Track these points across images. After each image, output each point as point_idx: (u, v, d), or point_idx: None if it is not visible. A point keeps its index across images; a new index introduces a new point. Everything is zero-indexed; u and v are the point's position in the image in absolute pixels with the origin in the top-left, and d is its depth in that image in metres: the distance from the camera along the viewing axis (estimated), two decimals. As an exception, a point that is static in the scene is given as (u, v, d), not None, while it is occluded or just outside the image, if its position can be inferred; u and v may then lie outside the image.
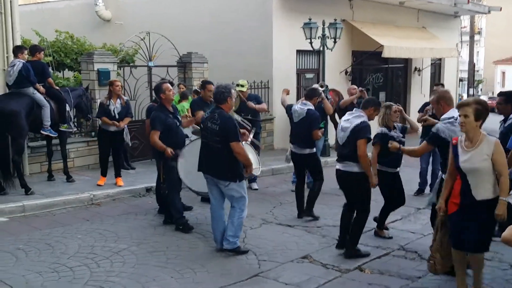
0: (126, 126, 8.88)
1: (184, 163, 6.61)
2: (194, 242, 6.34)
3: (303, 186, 7.64)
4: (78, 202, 8.10)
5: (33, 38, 12.42)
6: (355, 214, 5.98)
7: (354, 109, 6.12)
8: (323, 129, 7.49)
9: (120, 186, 8.81)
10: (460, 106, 4.44)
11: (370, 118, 5.95)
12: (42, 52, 8.99)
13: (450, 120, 5.05)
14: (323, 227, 6.99)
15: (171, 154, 6.49)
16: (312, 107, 7.44)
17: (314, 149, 7.55)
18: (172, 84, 7.29)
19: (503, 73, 42.81)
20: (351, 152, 5.73)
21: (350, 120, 5.85)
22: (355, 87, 10.64)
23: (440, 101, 5.28)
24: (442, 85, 9.53)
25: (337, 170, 5.98)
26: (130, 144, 9.53)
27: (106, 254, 5.87)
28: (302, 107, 7.42)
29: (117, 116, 8.61)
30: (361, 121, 5.77)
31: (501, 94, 6.64)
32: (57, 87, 9.17)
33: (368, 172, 5.79)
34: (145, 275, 5.30)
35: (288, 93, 9.00)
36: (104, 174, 8.95)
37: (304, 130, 7.31)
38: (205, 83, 8.36)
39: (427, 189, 8.88)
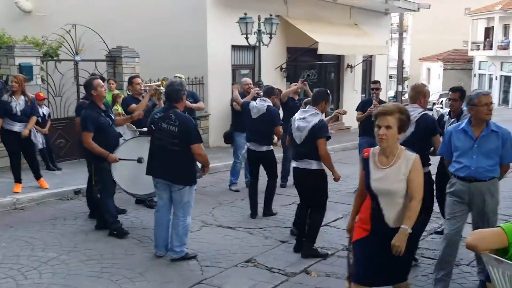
0: (33, 126, 8.09)
1: (119, 164, 6.17)
2: (130, 248, 5.92)
3: (257, 185, 7.42)
4: (0, 207, 7.44)
5: None
6: (310, 213, 5.83)
7: (308, 106, 5.90)
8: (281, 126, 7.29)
9: (45, 188, 8.17)
10: (380, 115, 3.62)
11: (323, 112, 5.80)
12: None
13: None
14: (265, 228, 6.76)
15: (117, 160, 6.05)
16: (271, 104, 7.29)
17: (271, 147, 7.37)
18: (103, 79, 6.81)
19: (429, 69, 44.62)
20: (309, 151, 5.57)
21: (307, 119, 5.66)
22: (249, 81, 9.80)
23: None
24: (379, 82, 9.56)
25: (295, 168, 5.83)
26: (40, 146, 8.80)
27: (34, 264, 5.36)
28: (262, 103, 7.25)
29: (19, 114, 7.78)
30: (319, 120, 5.60)
31: (455, 89, 6.23)
32: None
33: (332, 168, 5.73)
34: (78, 287, 4.85)
35: (238, 90, 8.83)
36: (18, 180, 8.10)
37: (263, 126, 7.13)
38: (131, 78, 8.06)
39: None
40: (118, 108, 7.92)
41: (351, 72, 18.59)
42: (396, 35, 24.56)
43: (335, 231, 6.73)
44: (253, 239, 6.35)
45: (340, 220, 7.23)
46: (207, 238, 6.30)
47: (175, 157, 5.34)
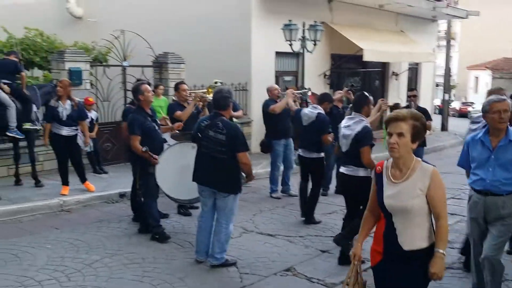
0: (79, 131, 8.29)
1: (162, 169, 6.25)
2: (171, 253, 5.99)
3: (307, 188, 7.53)
4: (47, 209, 7.68)
5: (1, 35, 11.91)
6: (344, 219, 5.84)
7: (352, 113, 5.85)
8: (332, 134, 7.27)
9: (91, 191, 8.37)
10: (391, 121, 3.19)
11: (367, 115, 5.84)
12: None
13: None
14: (305, 237, 6.72)
15: (156, 161, 6.14)
16: (322, 112, 7.35)
17: (322, 154, 7.41)
18: (149, 84, 6.93)
19: (477, 78, 43.39)
20: (355, 158, 5.53)
21: (351, 126, 5.63)
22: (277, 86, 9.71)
23: None
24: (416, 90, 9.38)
25: (341, 174, 5.82)
26: (87, 150, 9.00)
27: (78, 267, 5.48)
28: (312, 110, 7.36)
29: (65, 119, 7.94)
30: (362, 127, 5.55)
31: (491, 92, 5.89)
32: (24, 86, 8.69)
33: None
34: (120, 290, 4.94)
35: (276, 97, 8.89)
36: (65, 183, 8.28)
37: (313, 134, 7.22)
38: (177, 84, 8.09)
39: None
40: (161, 104, 8.10)
41: (396, 79, 18.30)
42: (444, 43, 23.97)
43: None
44: (293, 248, 6.31)
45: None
46: (247, 245, 6.30)
47: (222, 165, 5.35)
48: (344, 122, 5.81)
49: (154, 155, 6.14)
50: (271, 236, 6.76)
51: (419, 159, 3.28)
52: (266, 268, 5.59)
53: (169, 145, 6.51)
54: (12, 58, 8.45)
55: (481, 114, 4.86)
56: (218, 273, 5.42)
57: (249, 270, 5.52)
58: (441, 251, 3.19)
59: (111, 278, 5.21)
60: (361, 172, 5.56)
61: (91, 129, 9.43)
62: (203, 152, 5.48)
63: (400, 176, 3.25)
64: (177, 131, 6.98)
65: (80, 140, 8.43)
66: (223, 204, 5.47)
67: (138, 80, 7.69)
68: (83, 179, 8.50)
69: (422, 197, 3.19)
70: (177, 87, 8.01)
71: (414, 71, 19.72)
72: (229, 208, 5.49)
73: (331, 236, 6.70)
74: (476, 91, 40.27)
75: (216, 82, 9.19)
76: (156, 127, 6.38)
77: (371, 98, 6.81)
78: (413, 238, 3.23)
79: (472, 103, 37.78)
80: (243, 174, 5.61)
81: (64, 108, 7.98)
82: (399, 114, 3.19)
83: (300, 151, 7.51)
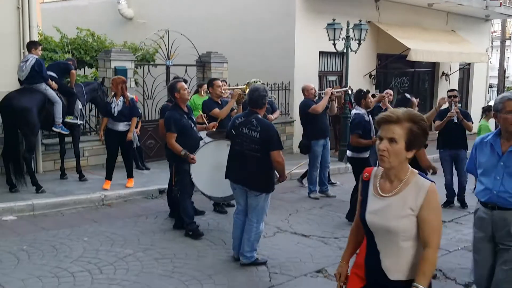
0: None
1: (197, 166, 6.31)
2: (203, 250, 6.04)
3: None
4: (89, 202, 7.90)
5: (55, 35, 12.37)
6: None
7: None
8: (373, 136, 7.03)
9: (129, 187, 8.55)
10: (383, 123, 2.64)
11: None
12: (39, 48, 8.39)
13: None
14: (340, 239, 6.61)
15: (194, 160, 6.18)
16: (359, 112, 7.20)
17: (361, 154, 7.17)
18: (186, 81, 6.99)
19: (534, 80, 41.59)
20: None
21: None
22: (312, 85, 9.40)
23: None
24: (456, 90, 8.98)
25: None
26: (136, 145, 9.17)
27: (111, 260, 5.61)
28: (353, 111, 7.40)
29: (116, 114, 8.14)
30: None
31: None
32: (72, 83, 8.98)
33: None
34: (148, 285, 5.01)
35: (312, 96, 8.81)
36: (109, 177, 8.51)
37: (350, 134, 7.32)
38: (212, 81, 7.90)
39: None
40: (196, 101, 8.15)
41: (447, 80, 17.76)
42: (499, 43, 23.12)
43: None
44: (326, 249, 6.23)
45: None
46: (280, 245, 6.27)
47: (255, 163, 5.34)
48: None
49: (192, 155, 6.19)
50: (305, 236, 6.70)
51: (416, 171, 2.71)
52: (296, 269, 5.54)
53: (205, 142, 6.56)
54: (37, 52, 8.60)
55: None
56: (248, 272, 5.41)
57: (279, 270, 5.49)
58: (420, 286, 2.57)
59: (142, 273, 5.30)
60: None
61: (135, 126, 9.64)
62: (236, 149, 5.49)
63: (390, 189, 2.68)
64: (213, 130, 7.03)
65: (133, 137, 8.61)
66: (255, 203, 5.46)
67: (174, 78, 7.75)
68: (130, 174, 8.69)
69: (411, 219, 2.61)
70: (211, 83, 7.80)
71: (465, 71, 19.09)
72: (261, 207, 5.48)
73: (366, 238, 6.61)
74: (535, 93, 38.53)
75: (255, 81, 9.18)
76: (192, 125, 6.44)
77: (413, 99, 6.62)
78: (400, 266, 2.65)
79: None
80: (276, 174, 5.58)
81: (116, 104, 8.18)
82: (392, 114, 2.62)
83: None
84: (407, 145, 2.60)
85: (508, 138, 3.73)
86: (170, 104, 6.93)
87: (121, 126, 8.25)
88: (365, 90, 7.52)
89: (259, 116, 5.46)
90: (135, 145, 9.52)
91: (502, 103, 3.72)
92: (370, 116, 7.24)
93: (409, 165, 2.70)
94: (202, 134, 6.89)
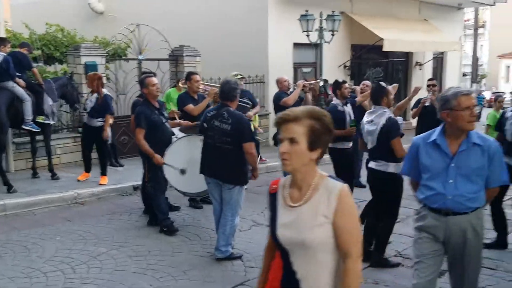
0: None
1: (170, 162, 6.23)
2: (178, 245, 5.97)
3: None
4: (61, 201, 7.77)
5: (24, 32, 12.09)
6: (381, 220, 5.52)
7: (373, 106, 5.52)
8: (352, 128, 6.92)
9: (102, 185, 8.45)
10: (281, 123, 2.34)
11: (389, 106, 5.45)
12: (8, 45, 8.28)
13: None
14: (315, 230, 6.61)
15: (161, 163, 6.11)
16: (335, 102, 7.06)
17: (333, 144, 6.94)
18: (155, 75, 6.90)
19: (508, 67, 42.37)
20: (384, 153, 5.22)
21: (374, 121, 5.30)
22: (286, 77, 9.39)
23: None
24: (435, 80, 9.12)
25: (370, 169, 5.45)
26: (109, 141, 9.04)
27: (84, 259, 5.52)
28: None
29: (88, 110, 8.27)
30: (386, 120, 5.21)
31: None
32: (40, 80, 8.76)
33: None
34: (122, 283, 4.94)
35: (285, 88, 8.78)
36: (87, 170, 8.68)
37: None
38: (190, 74, 7.73)
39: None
40: (171, 106, 8.03)
41: (420, 69, 17.93)
42: (472, 31, 23.38)
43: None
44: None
45: (397, 224, 6.93)
46: (256, 238, 6.23)
47: (227, 156, 5.30)
48: (365, 118, 5.49)
49: (158, 158, 6.10)
50: (280, 229, 6.67)
51: (326, 174, 2.41)
52: (272, 262, 5.51)
53: (177, 137, 6.48)
54: (24, 51, 8.51)
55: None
56: (223, 267, 5.37)
57: (254, 263, 5.45)
58: None
59: (115, 271, 5.22)
60: (391, 168, 5.23)
61: None
62: (209, 143, 5.44)
63: (299, 197, 2.37)
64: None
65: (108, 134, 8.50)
66: (229, 196, 5.42)
67: (143, 73, 7.65)
68: (103, 172, 8.63)
69: (326, 227, 2.30)
70: (189, 77, 7.64)
71: (439, 60, 19.28)
72: (235, 200, 5.44)
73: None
74: (508, 80, 39.32)
75: (236, 75, 9.09)
76: (164, 120, 6.35)
77: (389, 87, 6.61)
78: (322, 284, 2.34)
79: (503, 92, 36.90)
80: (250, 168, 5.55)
81: (90, 101, 8.27)
82: (290, 113, 2.33)
83: None
84: (310, 145, 2.30)
85: (457, 136, 3.40)
86: (141, 100, 6.82)
87: (96, 122, 8.29)
88: (341, 80, 7.45)
89: (231, 108, 5.43)
90: (109, 142, 9.37)
91: (456, 99, 3.33)
92: (347, 106, 7.08)
93: (318, 169, 2.38)
94: (175, 129, 6.81)
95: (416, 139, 3.62)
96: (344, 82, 7.41)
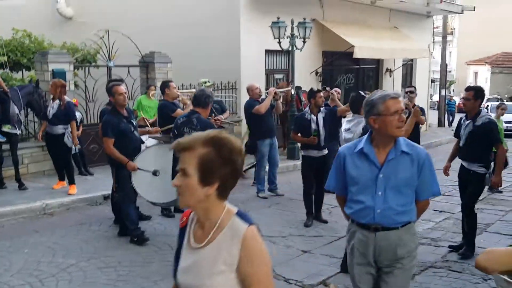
0: (67, 130, 8.27)
1: (138, 172, 6.14)
2: (149, 256, 5.88)
3: None
4: (30, 212, 7.58)
5: (-10, 37, 11.82)
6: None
7: (352, 115, 5.60)
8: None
9: (71, 194, 8.29)
10: (178, 151, 2.06)
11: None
12: None
13: None
14: (287, 237, 6.61)
15: (136, 169, 6.02)
16: (305, 110, 7.22)
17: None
18: (122, 81, 6.84)
19: (476, 73, 43.24)
20: None
21: (351, 129, 5.35)
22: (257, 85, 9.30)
23: None
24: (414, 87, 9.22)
25: None
26: (74, 150, 8.88)
27: (53, 271, 5.39)
28: None
29: (50, 117, 8.18)
30: (363, 128, 5.18)
31: (469, 88, 5.91)
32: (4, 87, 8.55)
33: None
34: (91, 295, 4.84)
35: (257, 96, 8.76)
36: (61, 178, 8.62)
37: None
38: (167, 82, 7.84)
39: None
40: (142, 114, 7.95)
41: (390, 76, 18.16)
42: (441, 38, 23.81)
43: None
44: (274, 248, 6.18)
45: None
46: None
47: None
48: (344, 126, 5.56)
49: (132, 163, 6.03)
50: (253, 237, 6.64)
51: (235, 209, 2.03)
52: (244, 270, 5.46)
53: (146, 146, 6.40)
54: None
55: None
56: (195, 276, 5.30)
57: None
58: None
59: (84, 283, 5.11)
60: None
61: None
62: None
63: (202, 237, 2.01)
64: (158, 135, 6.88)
65: (67, 140, 8.36)
66: None
67: (110, 81, 7.52)
68: (71, 181, 8.48)
69: (228, 276, 1.94)
70: (167, 85, 7.72)
71: (409, 67, 19.58)
72: None
73: (314, 236, 6.65)
74: (475, 86, 40.00)
75: (205, 82, 9.06)
76: (132, 129, 6.26)
77: (332, 91, 6.67)
78: None
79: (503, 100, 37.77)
80: None
81: (52, 107, 8.19)
82: (183, 140, 2.03)
83: None
84: (202, 178, 1.92)
85: (385, 145, 3.11)
86: (110, 108, 6.71)
87: (58, 129, 8.21)
88: (315, 89, 7.45)
89: (201, 116, 5.45)
90: (76, 150, 9.21)
91: (383, 103, 3.04)
92: (320, 114, 7.07)
93: (225, 204, 2.01)
94: (144, 137, 6.73)
95: (342, 149, 3.32)
96: (319, 91, 7.41)
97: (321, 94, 7.32)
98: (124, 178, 6.13)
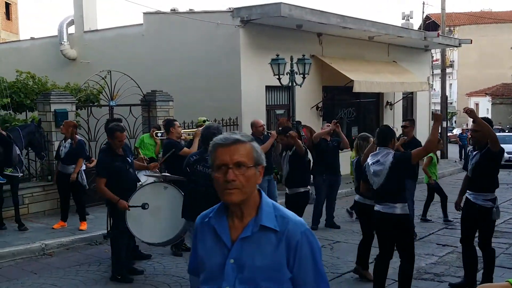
0: (81, 169, 8.54)
1: (133, 211, 6.08)
2: (147, 297, 5.82)
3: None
4: (29, 253, 7.54)
5: (-8, 79, 11.99)
6: (400, 264, 5.40)
7: (378, 148, 5.53)
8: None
9: (82, 230, 8.52)
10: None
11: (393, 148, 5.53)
12: None
13: None
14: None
15: (127, 207, 5.96)
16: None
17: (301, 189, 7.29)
18: (120, 121, 6.96)
19: (476, 104, 43.34)
20: (391, 194, 5.24)
21: (380, 161, 5.31)
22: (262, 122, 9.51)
23: None
24: (412, 120, 9.27)
25: (378, 213, 5.36)
26: (87, 187, 8.95)
27: (49, 314, 5.33)
28: None
29: (63, 156, 8.48)
30: (393, 156, 5.27)
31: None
32: (3, 131, 8.62)
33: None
34: None
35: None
36: (64, 218, 8.71)
37: None
38: (172, 121, 7.77)
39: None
40: (141, 153, 8.00)
41: (391, 109, 18.27)
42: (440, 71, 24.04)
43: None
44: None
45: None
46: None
47: (210, 200, 5.24)
48: (370, 160, 5.47)
49: (124, 203, 5.98)
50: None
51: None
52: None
53: (141, 185, 6.39)
54: None
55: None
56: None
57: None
58: None
59: (81, 326, 5.04)
60: (398, 210, 5.23)
61: None
62: (192, 187, 5.41)
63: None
64: (156, 171, 6.88)
65: (81, 179, 8.59)
66: None
67: (109, 120, 7.62)
68: (82, 217, 8.69)
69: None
70: (172, 124, 7.61)
71: (409, 100, 19.70)
72: None
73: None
74: (477, 117, 40.08)
75: (203, 121, 9.11)
76: (128, 167, 6.26)
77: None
78: None
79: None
80: None
81: (64, 147, 8.47)
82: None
83: None
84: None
85: (243, 214, 2.18)
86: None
87: (70, 169, 8.44)
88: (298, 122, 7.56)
89: None
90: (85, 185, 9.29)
91: (213, 151, 2.24)
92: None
93: None
94: (140, 175, 6.75)
95: (198, 217, 2.40)
96: (290, 128, 7.60)
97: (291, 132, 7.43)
98: (118, 217, 6.11)
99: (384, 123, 17.88)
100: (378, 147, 5.52)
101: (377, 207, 5.38)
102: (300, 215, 6.86)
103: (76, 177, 8.44)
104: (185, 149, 7.39)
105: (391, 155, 5.29)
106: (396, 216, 5.21)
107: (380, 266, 5.43)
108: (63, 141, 8.55)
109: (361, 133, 7.19)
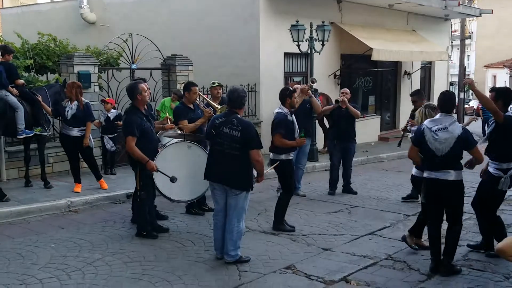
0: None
1: (160, 169, 6.23)
2: (173, 252, 6.03)
3: None
4: (55, 209, 7.77)
5: (16, 41, 12.11)
6: (448, 228, 5.53)
7: (440, 114, 5.45)
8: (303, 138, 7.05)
9: (105, 189, 8.65)
10: None
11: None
12: (12, 55, 8.44)
13: None
14: (308, 236, 6.71)
15: (155, 169, 6.08)
16: (282, 110, 7.01)
17: (278, 155, 7.00)
18: (144, 80, 7.03)
19: (494, 76, 42.80)
20: (451, 162, 5.30)
21: (448, 129, 5.27)
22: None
23: None
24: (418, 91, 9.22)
25: (432, 180, 5.38)
26: (111, 148, 9.13)
27: (79, 265, 5.55)
28: (275, 110, 7.15)
29: (69, 118, 8.20)
30: (462, 130, 5.29)
31: (493, 90, 6.11)
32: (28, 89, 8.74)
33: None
34: (117, 288, 5.00)
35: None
36: (77, 180, 8.63)
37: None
38: (190, 85, 7.54)
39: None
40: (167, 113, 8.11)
41: (409, 79, 18.17)
42: (459, 42, 23.72)
43: (381, 240, 6.59)
44: (295, 246, 6.31)
45: (387, 229, 7.08)
46: (249, 244, 6.29)
47: (235, 162, 5.44)
48: (432, 125, 5.38)
49: (153, 164, 6.08)
50: (273, 235, 6.77)
51: None
52: (265, 266, 5.59)
53: (163, 145, 6.53)
54: (7, 58, 8.25)
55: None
56: (217, 271, 5.44)
57: (248, 268, 5.54)
58: None
59: (111, 276, 5.27)
60: (456, 175, 5.30)
61: (109, 128, 9.84)
62: (217, 149, 5.56)
63: None
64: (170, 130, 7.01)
65: (91, 141, 8.53)
66: (234, 202, 5.54)
67: (133, 79, 7.69)
68: (98, 177, 8.77)
69: None
70: (189, 88, 7.42)
71: (427, 70, 19.56)
72: (240, 206, 5.57)
73: (334, 235, 6.74)
74: (494, 90, 39.62)
75: (214, 83, 8.99)
76: (152, 128, 6.41)
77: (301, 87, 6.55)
78: None
79: None
80: (254, 173, 5.66)
81: (70, 108, 8.22)
82: None
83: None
84: None
85: None
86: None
87: (75, 132, 8.29)
88: (291, 88, 7.37)
89: (239, 116, 5.59)
90: (114, 149, 9.74)
91: None
92: (293, 116, 7.10)
93: None
94: (160, 136, 6.91)
95: None
96: (295, 91, 7.42)
97: (295, 94, 7.30)
98: (148, 178, 6.26)
99: (402, 93, 17.87)
100: (440, 113, 5.46)
101: (434, 175, 5.35)
102: (290, 183, 7.04)
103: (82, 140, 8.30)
104: (183, 121, 7.25)
105: (459, 126, 5.31)
106: (452, 182, 5.29)
107: (434, 231, 5.50)
108: (69, 102, 8.26)
109: (428, 102, 6.85)
